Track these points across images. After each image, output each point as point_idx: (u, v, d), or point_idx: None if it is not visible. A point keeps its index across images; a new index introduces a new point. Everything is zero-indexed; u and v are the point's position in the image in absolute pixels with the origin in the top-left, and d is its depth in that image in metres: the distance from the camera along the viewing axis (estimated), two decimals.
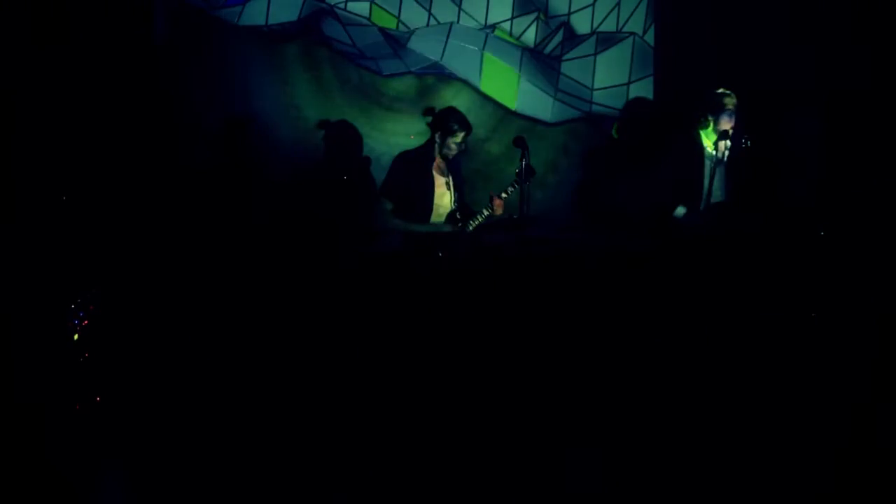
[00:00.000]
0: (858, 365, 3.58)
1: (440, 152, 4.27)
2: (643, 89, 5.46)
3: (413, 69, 5.17)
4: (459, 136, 4.19)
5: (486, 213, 4.19)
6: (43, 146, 4.22)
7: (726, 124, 4.19)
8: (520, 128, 5.22)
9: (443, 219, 4.28)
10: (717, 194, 4.25)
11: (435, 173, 4.29)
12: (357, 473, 2.86)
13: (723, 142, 4.18)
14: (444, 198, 4.31)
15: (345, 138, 5.06)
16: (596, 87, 5.46)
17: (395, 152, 5.06)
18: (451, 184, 4.33)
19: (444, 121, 4.23)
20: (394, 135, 5.16)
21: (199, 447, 3.03)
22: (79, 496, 2.77)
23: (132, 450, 3.02)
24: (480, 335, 3.88)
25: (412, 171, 4.25)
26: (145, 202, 4.41)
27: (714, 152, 4.24)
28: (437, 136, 4.25)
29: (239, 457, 2.96)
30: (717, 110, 4.22)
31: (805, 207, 4.38)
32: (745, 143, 4.13)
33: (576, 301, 4.11)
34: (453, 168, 4.38)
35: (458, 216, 4.25)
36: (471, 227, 4.20)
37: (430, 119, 4.31)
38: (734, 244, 4.08)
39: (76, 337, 3.56)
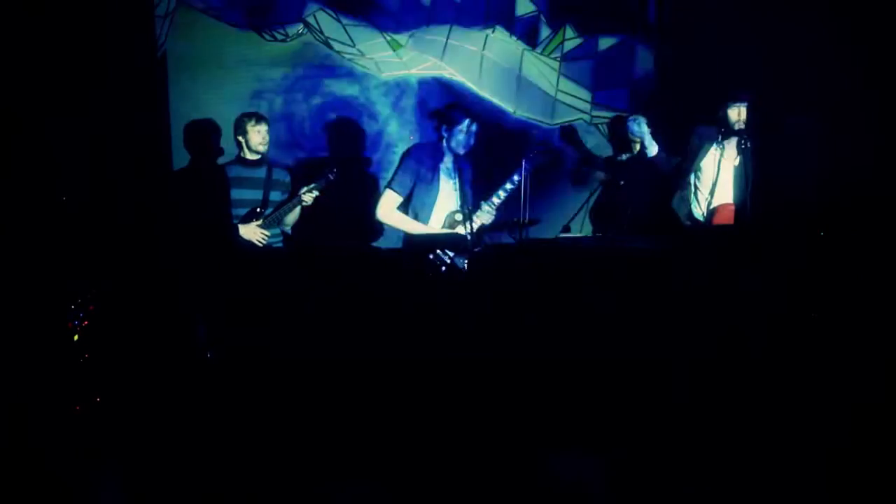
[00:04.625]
0: (859, 365, 3.57)
1: (449, 146, 4.21)
2: (643, 90, 5.47)
3: (413, 69, 5.18)
4: (464, 124, 4.15)
5: (475, 222, 4.16)
6: (44, 147, 4.22)
7: (734, 119, 4.20)
8: (520, 128, 5.23)
9: (442, 222, 4.26)
10: (724, 194, 4.27)
11: (442, 174, 4.24)
12: (355, 472, 2.86)
13: (733, 140, 4.18)
14: (447, 200, 4.26)
15: (344, 138, 5.09)
16: (596, 87, 5.47)
17: (395, 152, 5.10)
18: (456, 186, 4.27)
19: (447, 113, 4.20)
20: (398, 139, 5.17)
21: (197, 447, 3.03)
22: (77, 496, 2.76)
23: (131, 450, 3.02)
24: (482, 337, 3.87)
25: (423, 165, 4.19)
26: (145, 203, 4.41)
27: (722, 150, 4.27)
28: (442, 130, 4.21)
29: (237, 456, 2.96)
30: (726, 105, 4.23)
31: (805, 207, 4.37)
32: (745, 143, 4.13)
33: (578, 302, 4.11)
34: (461, 169, 4.32)
35: (459, 219, 4.21)
36: (469, 233, 4.14)
37: (436, 121, 4.27)
38: (733, 244, 4.08)
39: (76, 337, 3.55)
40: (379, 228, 4.76)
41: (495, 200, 4.19)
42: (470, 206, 4.23)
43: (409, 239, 4.19)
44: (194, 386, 3.68)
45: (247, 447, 3.02)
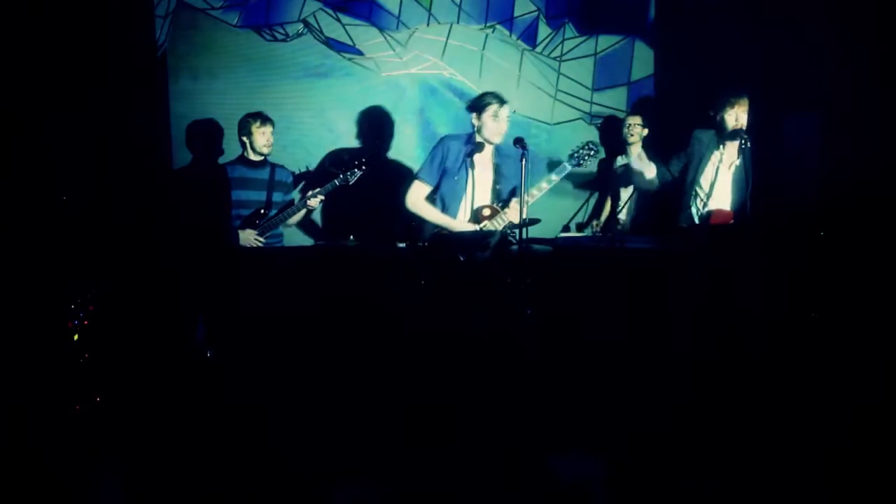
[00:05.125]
0: (859, 365, 3.57)
1: (483, 136, 4.08)
2: (643, 90, 5.47)
3: (413, 69, 5.18)
4: (491, 110, 4.03)
5: (504, 220, 4.06)
6: (44, 147, 4.22)
7: (732, 123, 4.20)
8: (519, 128, 5.23)
9: (470, 214, 4.13)
10: (723, 197, 4.27)
11: (476, 164, 4.10)
12: (355, 472, 2.86)
13: (733, 143, 4.18)
14: (480, 193, 4.13)
15: (345, 139, 5.08)
16: (596, 87, 5.47)
17: (398, 151, 5.10)
18: (492, 179, 4.13)
19: (478, 100, 4.10)
20: (402, 138, 5.16)
21: (197, 447, 3.03)
22: (77, 496, 2.76)
23: (131, 450, 3.02)
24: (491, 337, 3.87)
25: (450, 155, 4.11)
26: (145, 203, 4.41)
27: (720, 154, 4.27)
28: (473, 119, 4.10)
29: (237, 456, 2.96)
30: (722, 109, 4.22)
31: (805, 207, 4.37)
32: (744, 144, 4.13)
33: (578, 301, 4.11)
34: (499, 163, 4.17)
35: (487, 214, 4.08)
36: (493, 235, 4.02)
37: (469, 112, 4.16)
38: (733, 244, 4.08)
39: (76, 337, 3.55)
40: (383, 226, 4.74)
41: (527, 199, 4.08)
42: (502, 201, 4.14)
43: (436, 234, 4.11)
44: (194, 386, 3.67)
45: (247, 447, 3.02)
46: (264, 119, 4.38)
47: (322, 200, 4.33)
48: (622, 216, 4.91)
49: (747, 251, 4.00)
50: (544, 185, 4.11)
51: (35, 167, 4.10)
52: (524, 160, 3.86)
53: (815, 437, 3.06)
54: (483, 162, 4.16)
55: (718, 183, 4.25)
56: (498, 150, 4.18)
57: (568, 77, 5.42)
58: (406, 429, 3.19)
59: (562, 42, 5.40)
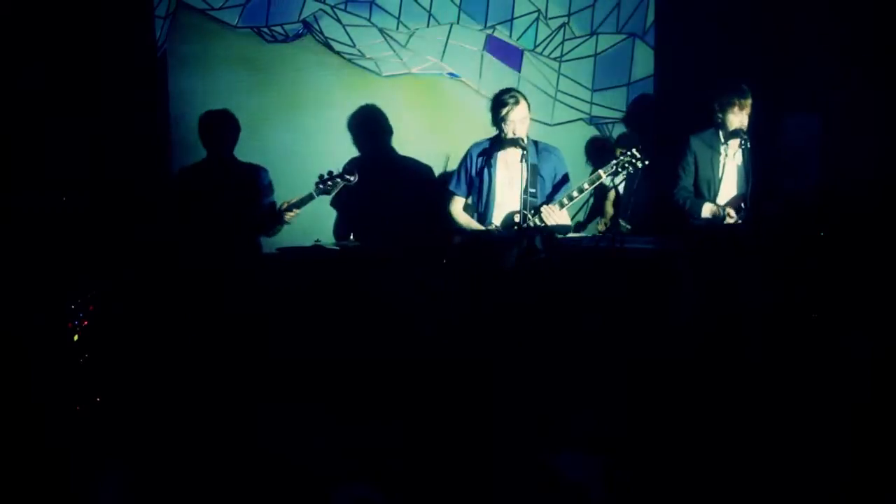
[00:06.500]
0: (858, 365, 3.57)
1: (504, 137, 3.95)
2: (643, 90, 5.47)
3: (413, 69, 5.18)
4: (504, 110, 3.90)
5: (536, 223, 3.94)
6: (44, 147, 4.22)
7: (736, 123, 4.20)
8: None
9: (502, 219, 4.06)
10: (730, 195, 4.27)
11: (500, 166, 4.02)
12: (355, 473, 2.86)
13: (735, 140, 4.18)
14: (509, 195, 4.03)
15: (343, 142, 5.06)
16: (596, 87, 5.47)
17: (398, 153, 5.08)
18: (520, 179, 3.91)
19: (495, 99, 3.99)
20: (399, 137, 5.15)
21: (197, 448, 3.03)
22: (79, 496, 2.76)
23: (132, 450, 3.02)
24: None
25: (475, 163, 4.06)
26: (145, 202, 4.41)
27: (724, 153, 4.27)
28: (493, 120, 3.98)
29: (238, 457, 2.96)
30: (726, 109, 4.22)
31: (805, 207, 4.38)
32: (744, 143, 4.13)
33: (578, 302, 4.11)
34: (534, 164, 3.98)
35: (518, 220, 3.93)
36: (521, 240, 3.91)
37: (491, 110, 4.07)
38: (733, 244, 4.08)
39: (76, 337, 3.55)
40: (383, 227, 4.73)
41: (556, 207, 3.95)
42: (535, 206, 3.97)
43: (464, 238, 4.10)
44: (194, 386, 3.67)
45: (247, 448, 3.02)
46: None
47: (297, 214, 4.20)
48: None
49: (747, 251, 4.00)
50: (575, 194, 4.02)
51: (35, 167, 4.11)
52: (523, 161, 3.85)
53: (815, 438, 3.06)
54: (511, 161, 4.06)
55: (724, 181, 4.26)
56: (536, 148, 4.04)
57: (568, 77, 5.42)
58: (406, 429, 3.19)
59: (562, 42, 5.39)
